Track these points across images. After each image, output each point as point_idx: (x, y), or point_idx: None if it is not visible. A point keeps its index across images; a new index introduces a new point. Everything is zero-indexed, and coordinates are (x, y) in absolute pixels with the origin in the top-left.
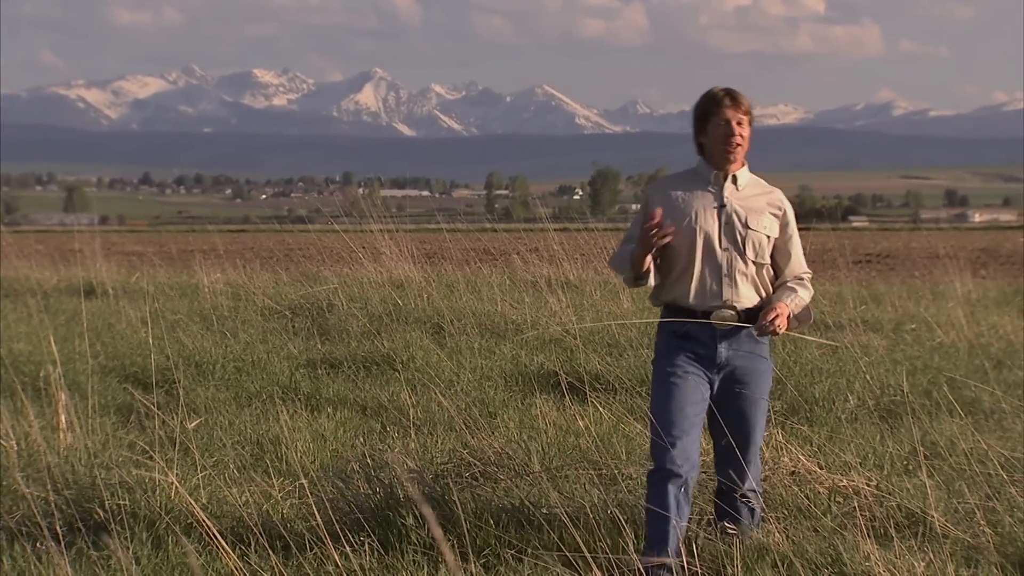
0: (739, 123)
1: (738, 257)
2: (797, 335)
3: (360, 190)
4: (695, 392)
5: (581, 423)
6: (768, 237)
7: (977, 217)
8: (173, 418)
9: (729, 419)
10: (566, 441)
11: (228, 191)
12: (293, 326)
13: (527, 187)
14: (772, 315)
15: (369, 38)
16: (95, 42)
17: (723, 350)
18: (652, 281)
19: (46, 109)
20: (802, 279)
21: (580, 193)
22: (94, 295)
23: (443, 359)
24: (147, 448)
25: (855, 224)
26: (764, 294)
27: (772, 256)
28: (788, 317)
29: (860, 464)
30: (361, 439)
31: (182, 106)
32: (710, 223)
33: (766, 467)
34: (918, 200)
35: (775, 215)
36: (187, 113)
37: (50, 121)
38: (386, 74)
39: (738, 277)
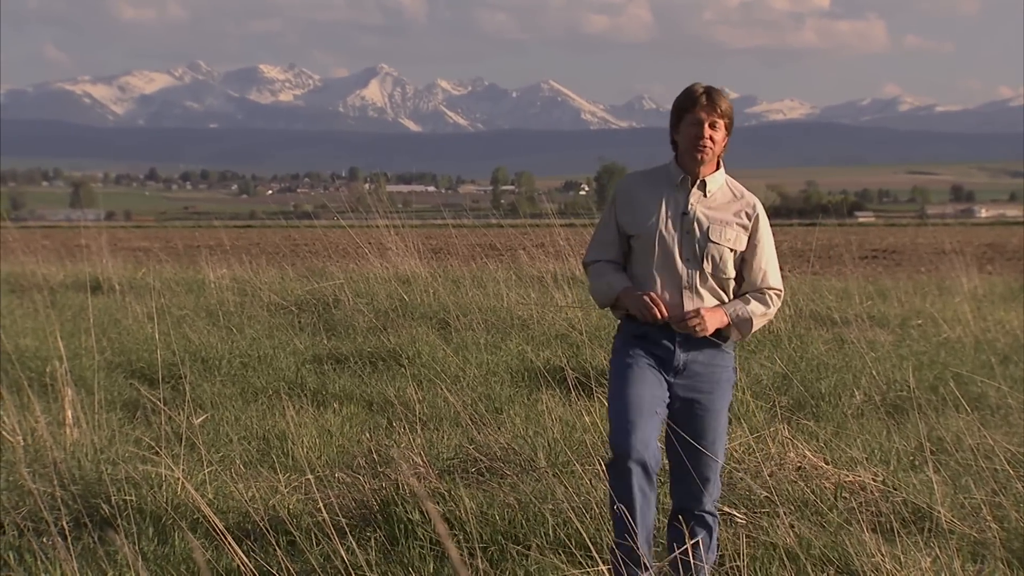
0: (712, 125)
1: (698, 269)
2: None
3: (366, 186)
4: (654, 383)
5: (587, 418)
6: (732, 251)
7: (984, 212)
8: (179, 414)
9: (685, 431)
10: (572, 436)
11: (234, 187)
12: (299, 322)
13: (533, 183)
14: (691, 317)
15: (374, 34)
16: (99, 37)
17: (681, 354)
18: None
19: (52, 104)
20: (763, 293)
21: (586, 189)
22: (100, 291)
23: (449, 354)
24: (153, 444)
25: (861, 220)
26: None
27: (740, 268)
28: (727, 325)
29: (866, 459)
30: (367, 434)
31: (188, 102)
32: (670, 232)
33: (772, 462)
34: (924, 195)
35: (742, 226)
36: (193, 109)
37: (56, 117)
38: (392, 70)
39: (700, 289)
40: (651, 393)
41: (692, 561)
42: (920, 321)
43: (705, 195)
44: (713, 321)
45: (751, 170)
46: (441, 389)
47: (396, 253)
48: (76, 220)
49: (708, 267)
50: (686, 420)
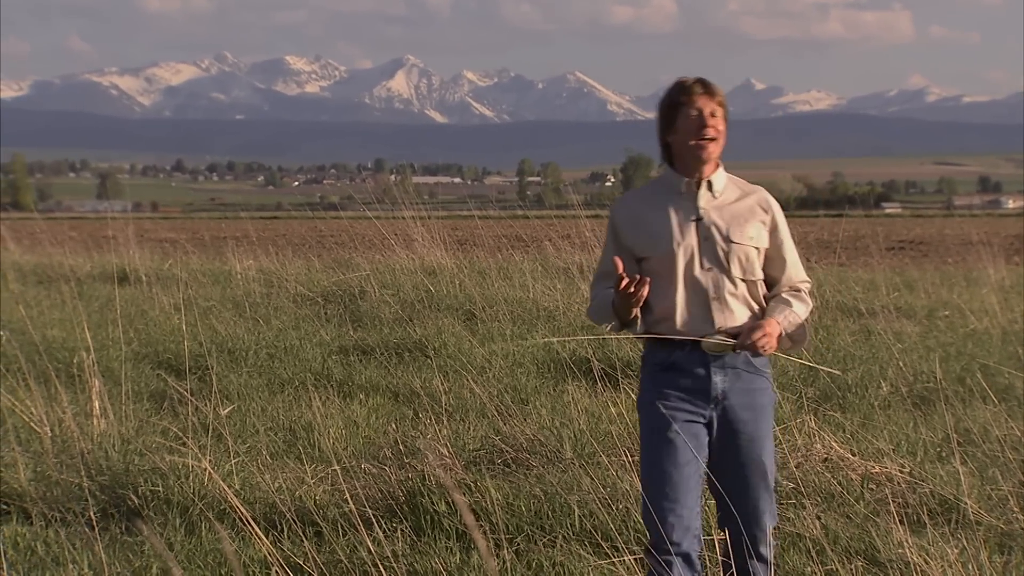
0: (713, 114)
1: (724, 276)
2: (789, 357)
3: (392, 177)
4: (688, 450)
5: (613, 410)
6: (757, 249)
7: (1011, 203)
8: (206, 404)
9: (728, 464)
10: (598, 428)
11: (260, 178)
12: (325, 313)
13: (559, 174)
14: (759, 334)
15: (398, 25)
16: (125, 29)
17: (719, 380)
18: (640, 325)
19: (79, 96)
20: (799, 290)
21: (612, 180)
22: (127, 282)
23: (475, 346)
24: (180, 434)
25: (888, 210)
26: (757, 312)
27: (764, 267)
28: (780, 336)
29: (893, 451)
30: (393, 425)
31: (214, 93)
32: (687, 241)
33: (798, 454)
34: (951, 186)
35: (762, 221)
36: (219, 100)
37: (83, 108)
38: (418, 61)
39: (728, 298)
40: (688, 465)
41: None
42: (947, 312)
43: (714, 195)
44: (776, 335)
45: (777, 161)
46: (467, 380)
47: (422, 244)
48: (103, 211)
49: (737, 271)
50: (729, 454)
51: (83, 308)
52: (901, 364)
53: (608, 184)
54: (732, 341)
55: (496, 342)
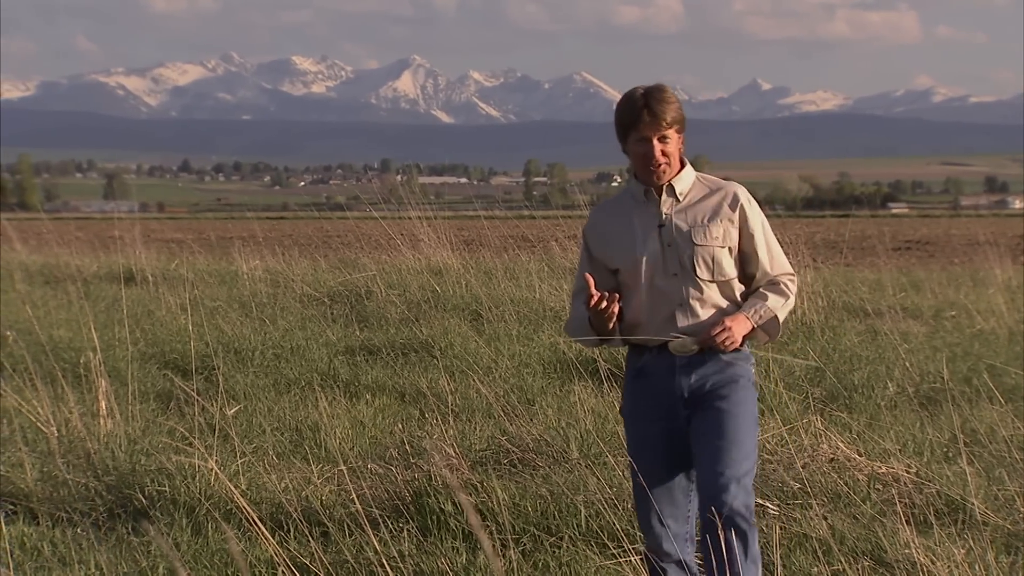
0: (662, 139)
1: (689, 282)
2: (769, 354)
3: (398, 177)
4: (669, 459)
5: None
6: (725, 248)
7: (1018, 204)
8: (212, 404)
9: (705, 433)
10: (604, 428)
11: (267, 178)
12: (332, 313)
13: (565, 174)
14: (718, 330)
15: (404, 25)
16: (131, 29)
17: (684, 382)
18: (618, 336)
19: (86, 96)
20: (777, 283)
21: (619, 180)
22: (134, 282)
23: (481, 346)
24: (187, 434)
25: (894, 211)
26: (728, 309)
27: (741, 264)
28: (752, 330)
29: (900, 451)
30: (400, 426)
31: (221, 93)
32: (651, 248)
33: (804, 454)
34: (958, 186)
35: (729, 219)
36: (226, 100)
37: (90, 108)
38: (424, 61)
39: (694, 304)
40: (671, 477)
41: (726, 562)
42: (954, 312)
43: (678, 200)
44: (740, 330)
45: (784, 161)
46: (473, 380)
47: (428, 244)
48: (109, 211)
49: (704, 274)
50: (703, 421)
51: (89, 308)
52: (907, 364)
53: (614, 184)
54: (696, 348)
55: (503, 342)
